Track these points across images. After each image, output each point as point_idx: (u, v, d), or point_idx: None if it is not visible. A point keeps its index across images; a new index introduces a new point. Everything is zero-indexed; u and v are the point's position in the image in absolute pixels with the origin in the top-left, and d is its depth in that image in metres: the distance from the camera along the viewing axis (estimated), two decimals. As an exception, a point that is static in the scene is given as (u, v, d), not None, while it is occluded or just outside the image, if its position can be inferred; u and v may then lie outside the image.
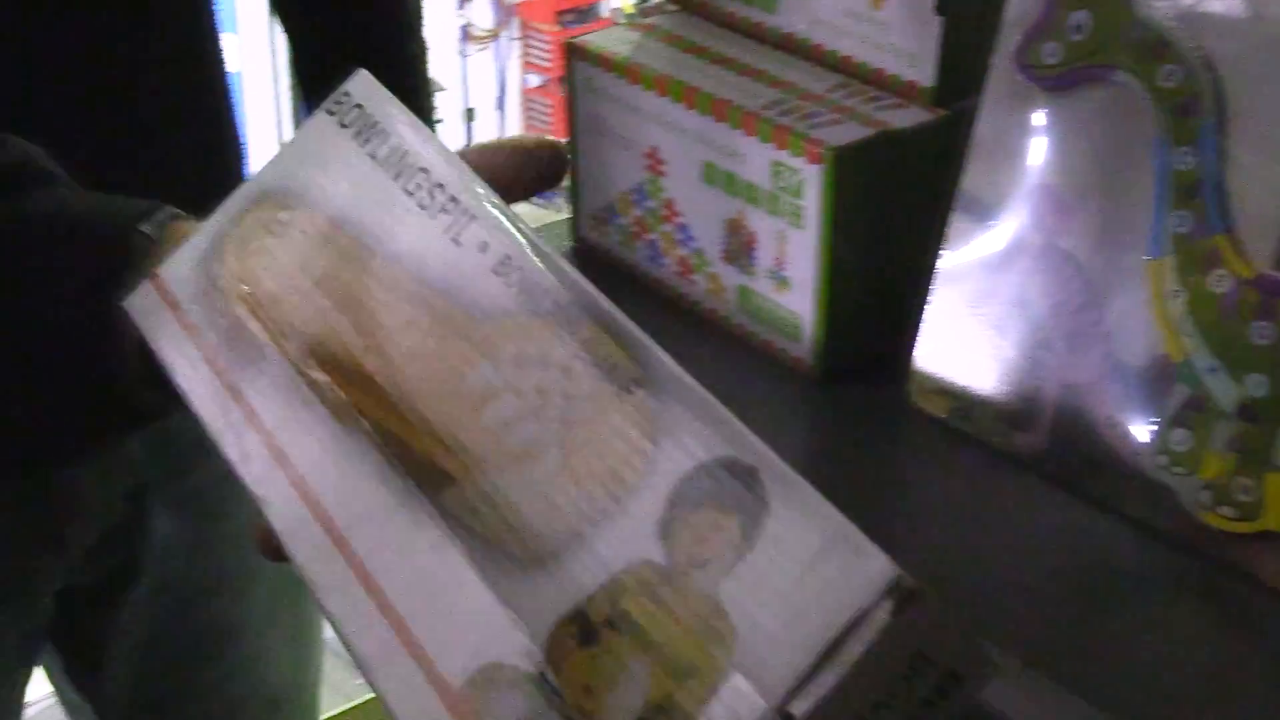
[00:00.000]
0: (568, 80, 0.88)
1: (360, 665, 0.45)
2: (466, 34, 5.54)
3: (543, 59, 5.61)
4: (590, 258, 0.90)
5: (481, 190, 0.51)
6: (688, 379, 0.44)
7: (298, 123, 1.02)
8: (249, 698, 1.07)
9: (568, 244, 0.92)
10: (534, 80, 5.71)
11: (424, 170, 0.52)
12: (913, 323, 0.75)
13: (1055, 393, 0.69)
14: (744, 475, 0.40)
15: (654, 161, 0.83)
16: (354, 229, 0.53)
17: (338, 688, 2.05)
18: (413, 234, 0.52)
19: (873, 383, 0.77)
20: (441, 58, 5.31)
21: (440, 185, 0.52)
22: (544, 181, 0.58)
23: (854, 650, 0.36)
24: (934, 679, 0.38)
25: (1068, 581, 0.65)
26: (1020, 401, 0.70)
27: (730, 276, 0.81)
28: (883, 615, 0.36)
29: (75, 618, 0.97)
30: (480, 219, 0.50)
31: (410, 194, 0.52)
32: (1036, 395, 0.70)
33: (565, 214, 0.90)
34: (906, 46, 0.77)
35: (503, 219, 0.50)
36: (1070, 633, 0.62)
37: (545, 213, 5.44)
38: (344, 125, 0.55)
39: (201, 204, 0.60)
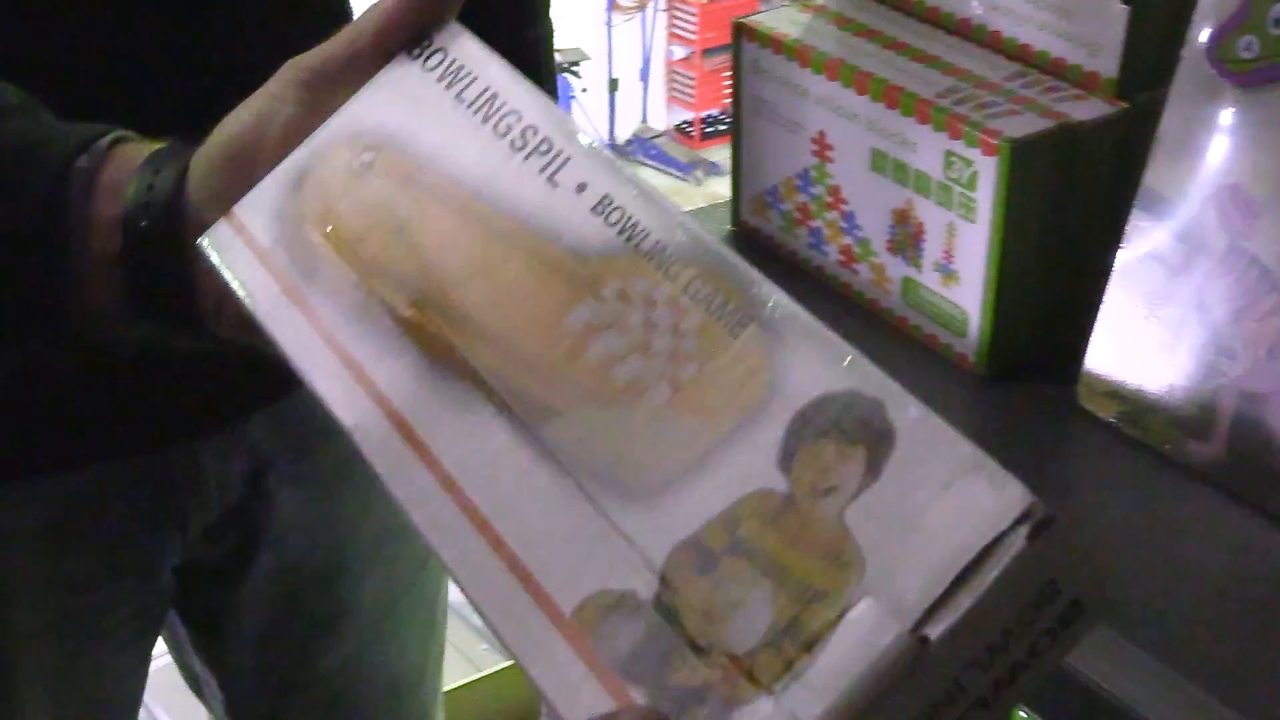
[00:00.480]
0: (734, 61, 0.88)
1: (469, 597, 0.46)
2: (613, 4, 5.59)
3: (688, 31, 5.64)
4: (750, 242, 0.90)
5: (578, 131, 0.52)
6: (804, 313, 0.44)
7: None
8: (370, 683, 1.08)
9: (727, 227, 0.92)
10: (678, 52, 5.75)
11: (515, 112, 0.53)
12: (1085, 322, 0.73)
13: (1234, 402, 0.67)
14: (869, 407, 0.41)
15: (821, 147, 0.83)
16: (442, 170, 0.54)
17: (463, 651, 2.08)
18: (505, 175, 0.52)
19: (1039, 382, 0.77)
20: (587, 27, 5.36)
21: (533, 127, 0.53)
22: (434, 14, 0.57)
23: (989, 575, 0.37)
24: (1060, 608, 0.38)
25: (1241, 599, 0.64)
26: (1196, 409, 0.69)
27: (895, 268, 0.81)
28: (1018, 541, 0.37)
29: (199, 594, 0.99)
30: (576, 159, 0.51)
31: (501, 135, 0.53)
32: (1214, 404, 0.68)
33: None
34: (1089, 35, 0.76)
35: (600, 159, 0.51)
36: (1242, 653, 0.60)
37: (683, 185, 5.45)
38: (428, 69, 0.56)
39: None
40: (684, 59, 5.69)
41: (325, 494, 0.96)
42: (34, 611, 0.88)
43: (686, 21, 5.61)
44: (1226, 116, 0.68)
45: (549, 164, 0.52)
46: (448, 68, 0.56)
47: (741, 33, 0.86)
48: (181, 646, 1.06)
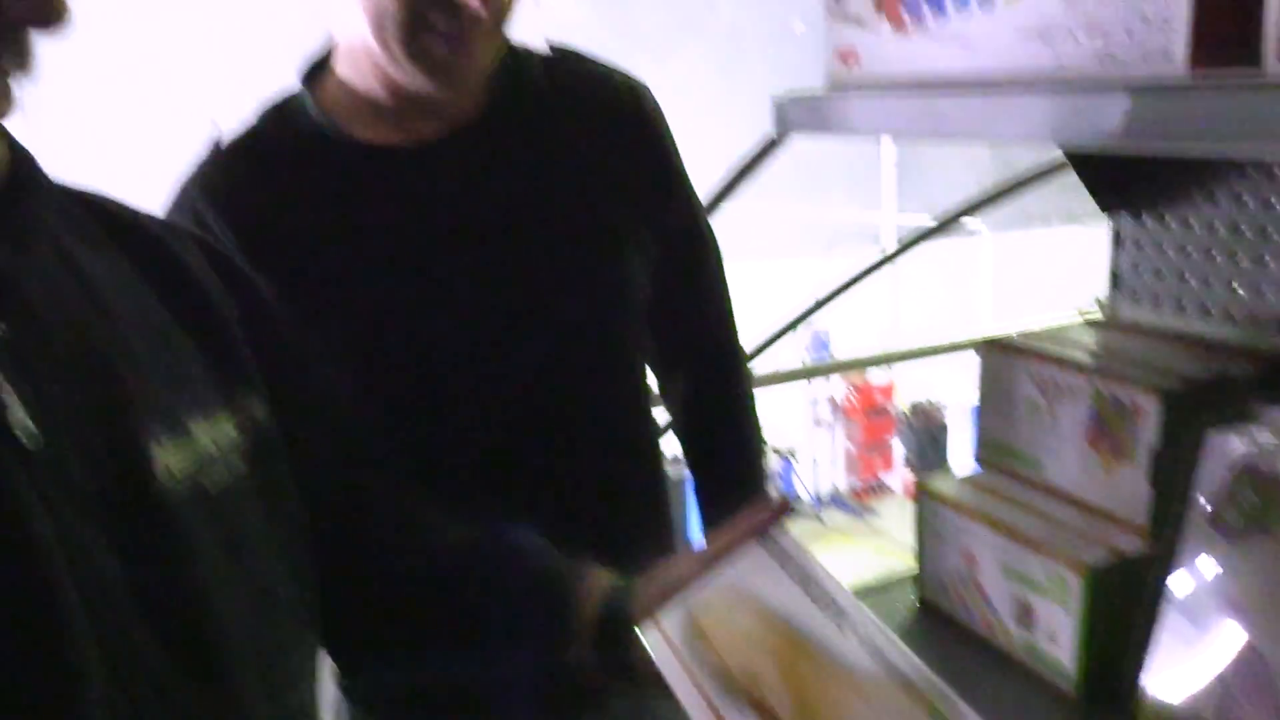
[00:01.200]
0: (917, 505, 0.91)
1: None
2: (816, 419, 5.82)
3: (857, 435, 5.82)
4: (930, 612, 0.92)
5: (854, 598, 0.56)
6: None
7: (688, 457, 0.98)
8: None
9: (914, 601, 0.92)
10: (852, 446, 5.86)
11: (818, 585, 0.57)
12: (1139, 668, 0.73)
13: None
14: None
15: (970, 561, 0.87)
16: (774, 611, 0.56)
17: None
18: (812, 621, 0.55)
19: (1114, 706, 0.75)
20: (801, 431, 5.72)
21: (830, 594, 0.56)
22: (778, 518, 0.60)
23: None
24: None
25: None
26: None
27: (1020, 634, 0.83)
28: None
29: None
30: (855, 617, 0.55)
31: (810, 596, 0.57)
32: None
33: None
34: (1131, 499, 0.78)
35: (869, 618, 0.54)
36: None
37: (857, 522, 5.37)
38: (769, 554, 0.60)
39: (638, 559, 0.63)
40: (856, 455, 5.88)
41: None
42: None
43: (856, 430, 5.79)
44: (1223, 558, 0.69)
45: (837, 619, 0.56)
46: (779, 554, 0.60)
47: (922, 491, 0.91)
48: None
